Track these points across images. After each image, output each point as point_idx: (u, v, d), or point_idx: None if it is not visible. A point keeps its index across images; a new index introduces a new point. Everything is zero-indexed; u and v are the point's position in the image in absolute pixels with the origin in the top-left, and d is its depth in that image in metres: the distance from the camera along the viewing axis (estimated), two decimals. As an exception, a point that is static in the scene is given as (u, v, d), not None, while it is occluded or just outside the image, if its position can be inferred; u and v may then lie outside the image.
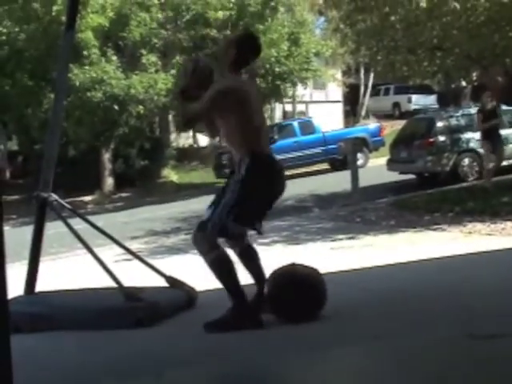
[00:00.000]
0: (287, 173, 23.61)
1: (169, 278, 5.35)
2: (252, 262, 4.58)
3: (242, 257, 4.57)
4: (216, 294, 4.59)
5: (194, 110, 4.53)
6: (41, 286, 5.30)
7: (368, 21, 14.44)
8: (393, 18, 14.02)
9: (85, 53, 21.21)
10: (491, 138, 13.22)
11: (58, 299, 5.20)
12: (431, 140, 15.98)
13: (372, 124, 26.54)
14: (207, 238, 4.41)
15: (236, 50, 4.51)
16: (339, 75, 33.69)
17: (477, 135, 15.48)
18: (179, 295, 5.18)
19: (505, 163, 14.18)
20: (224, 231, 4.39)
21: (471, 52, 14.02)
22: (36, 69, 21.88)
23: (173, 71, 22.56)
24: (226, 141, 4.63)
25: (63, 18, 14.69)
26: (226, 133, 4.54)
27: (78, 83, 20.77)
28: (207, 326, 4.40)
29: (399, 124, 24.74)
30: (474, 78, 18.56)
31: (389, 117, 33.15)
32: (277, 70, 23.04)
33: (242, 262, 4.56)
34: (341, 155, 21.56)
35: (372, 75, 31.77)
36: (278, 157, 23.82)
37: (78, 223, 5.29)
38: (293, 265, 4.60)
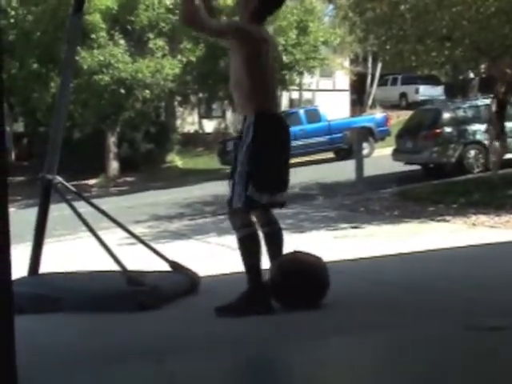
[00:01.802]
0: (292, 161, 23.62)
1: (172, 263, 5.36)
2: (276, 245, 4.53)
3: (268, 238, 4.51)
4: (219, 280, 4.60)
5: (210, 24, 4.30)
6: (44, 267, 5.31)
7: (377, 9, 14.39)
8: (402, 6, 13.99)
9: (93, 36, 21.18)
10: (497, 126, 13.09)
11: (61, 281, 5.22)
12: (437, 131, 15.95)
13: (378, 114, 26.52)
14: (239, 214, 4.35)
15: None
16: (347, 63, 33.59)
17: (483, 127, 15.45)
18: (182, 280, 5.19)
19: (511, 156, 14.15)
20: (249, 202, 4.28)
21: (480, 43, 13.96)
22: (43, 52, 21.86)
23: (180, 56, 22.52)
24: (233, 91, 4.42)
25: (71, 0, 14.70)
26: (236, 80, 4.35)
27: (85, 66, 20.75)
28: (219, 310, 4.37)
29: (406, 114, 24.73)
30: (483, 70, 18.51)
31: (395, 107, 33.08)
32: (283, 58, 22.98)
33: (266, 243, 4.50)
34: (346, 144, 21.55)
35: (380, 65, 31.66)
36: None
37: (81, 206, 5.29)
38: (296, 252, 4.59)
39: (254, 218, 4.47)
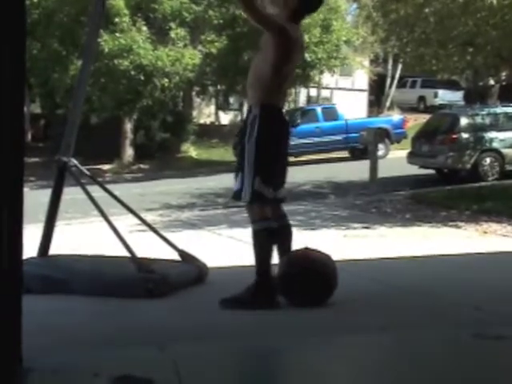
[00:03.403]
0: (306, 158, 23.56)
1: (181, 252, 5.37)
2: (285, 241, 4.54)
3: (278, 232, 4.51)
4: (227, 272, 4.61)
5: (262, 12, 4.35)
6: (53, 249, 5.33)
7: (401, 11, 14.35)
8: (426, 9, 13.93)
9: (116, 20, 21.20)
10: None
11: (71, 263, 5.23)
12: (454, 136, 15.89)
13: (396, 116, 26.43)
14: (256, 207, 4.39)
15: None
16: (367, 63, 33.49)
17: (500, 135, 15.39)
18: (190, 270, 5.20)
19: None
20: (256, 196, 4.32)
21: (503, 50, 13.90)
22: (65, 34, 21.91)
23: (201, 47, 22.53)
24: (251, 81, 4.45)
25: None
26: (256, 73, 4.40)
27: (106, 49, 20.78)
28: (223, 302, 4.38)
29: (423, 118, 24.64)
30: (503, 78, 18.42)
31: (413, 110, 32.97)
32: (306, 56, 22.89)
33: (276, 237, 4.51)
34: (362, 144, 21.49)
35: (400, 66, 31.56)
36: (299, 141, 23.73)
37: (94, 191, 5.30)
38: (307, 249, 4.59)
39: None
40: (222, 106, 33.17)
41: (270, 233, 4.41)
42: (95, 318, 4.25)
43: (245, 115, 4.56)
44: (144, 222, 5.65)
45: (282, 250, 4.53)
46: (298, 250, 4.57)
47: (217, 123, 32.51)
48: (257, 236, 4.41)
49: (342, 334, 3.87)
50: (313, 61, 23.34)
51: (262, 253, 4.39)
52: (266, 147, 4.32)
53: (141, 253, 5.09)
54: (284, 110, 4.62)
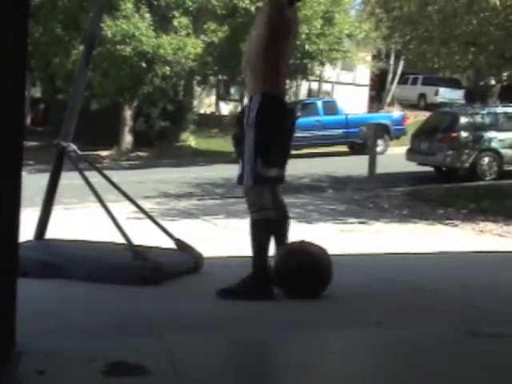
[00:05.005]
0: (305, 151, 23.53)
1: (177, 241, 5.37)
2: (282, 231, 4.56)
3: (276, 223, 4.52)
4: (222, 262, 4.61)
5: None
6: (49, 233, 5.33)
7: (405, 8, 14.34)
8: (430, 7, 13.93)
9: (121, 5, 21.13)
10: None
11: (67, 248, 5.24)
12: (454, 135, 15.89)
13: (396, 112, 26.44)
14: (255, 195, 4.40)
15: None
16: (369, 59, 33.46)
17: (500, 135, 15.42)
18: (186, 259, 5.20)
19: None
20: (258, 178, 4.34)
21: (505, 51, 13.90)
22: (68, 19, 21.84)
23: (203, 36, 22.48)
24: (246, 66, 4.48)
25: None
26: (250, 55, 4.43)
27: (109, 34, 20.73)
28: (220, 292, 4.40)
29: (423, 115, 24.62)
30: (505, 78, 18.43)
31: (413, 107, 32.95)
32: (307, 47, 22.86)
33: (274, 229, 4.53)
34: (361, 139, 21.50)
35: (402, 63, 31.53)
36: (299, 134, 23.83)
37: (92, 176, 5.29)
38: (303, 242, 4.60)
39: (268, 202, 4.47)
40: (223, 97, 33.12)
41: (268, 223, 4.42)
42: (90, 305, 4.25)
43: (245, 105, 4.57)
44: (141, 209, 5.65)
45: (278, 240, 4.53)
46: (294, 243, 4.58)
47: (217, 113, 32.47)
48: (255, 226, 4.41)
49: (336, 328, 3.88)
50: (314, 52, 23.29)
51: (259, 243, 4.40)
52: (266, 131, 4.33)
53: (137, 240, 5.09)
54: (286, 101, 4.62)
